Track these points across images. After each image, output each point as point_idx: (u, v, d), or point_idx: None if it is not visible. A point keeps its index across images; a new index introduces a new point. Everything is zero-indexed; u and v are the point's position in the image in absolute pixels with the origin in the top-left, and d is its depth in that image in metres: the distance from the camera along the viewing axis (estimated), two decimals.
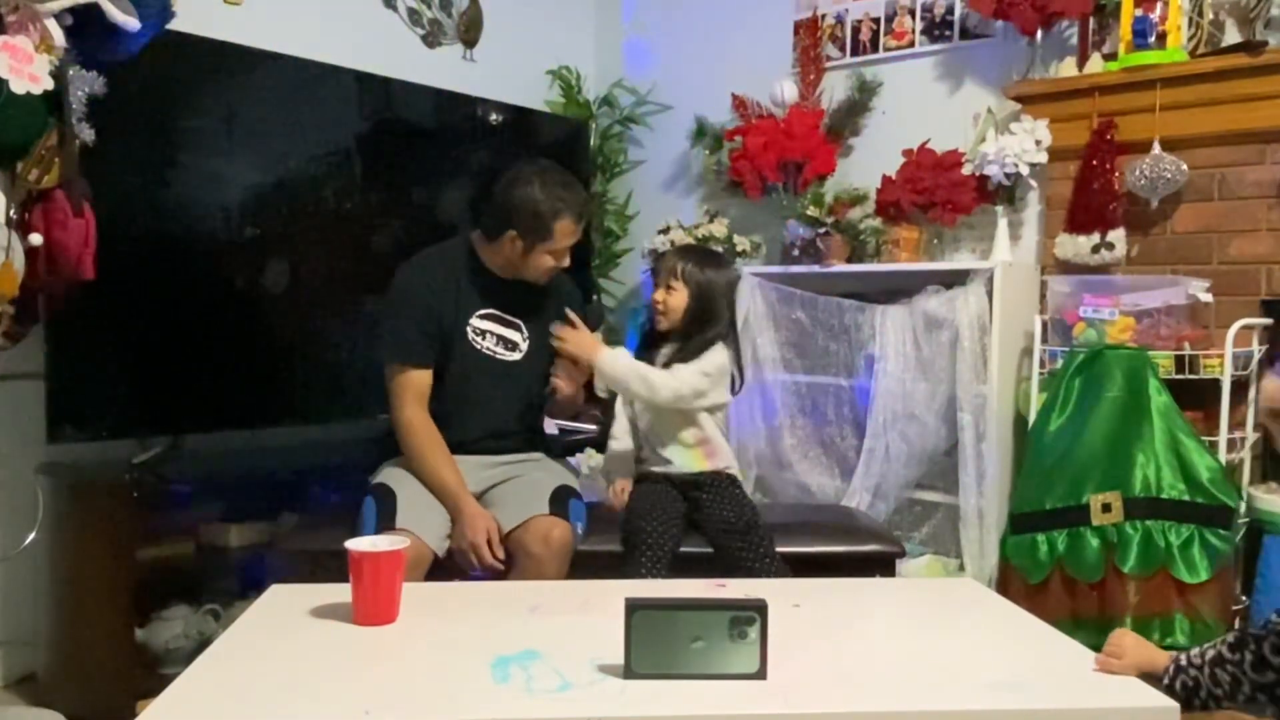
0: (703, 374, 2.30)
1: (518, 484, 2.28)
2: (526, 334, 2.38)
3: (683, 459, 2.37)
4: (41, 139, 2.00)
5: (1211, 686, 1.38)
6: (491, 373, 2.34)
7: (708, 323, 2.34)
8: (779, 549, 2.25)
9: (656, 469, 2.39)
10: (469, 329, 2.32)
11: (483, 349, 2.33)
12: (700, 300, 2.33)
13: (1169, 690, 1.39)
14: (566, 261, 2.33)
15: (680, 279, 2.33)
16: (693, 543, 2.27)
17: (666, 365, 2.33)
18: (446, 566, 2.13)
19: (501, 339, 2.36)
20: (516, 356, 2.36)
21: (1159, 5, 2.84)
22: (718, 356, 2.33)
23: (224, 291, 2.84)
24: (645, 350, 2.41)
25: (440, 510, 2.20)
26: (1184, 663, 1.41)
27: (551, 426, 2.68)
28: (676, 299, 2.33)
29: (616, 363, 2.29)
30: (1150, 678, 1.41)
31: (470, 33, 3.89)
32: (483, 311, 2.34)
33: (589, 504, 2.33)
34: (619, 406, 2.49)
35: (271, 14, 3.15)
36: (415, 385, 2.28)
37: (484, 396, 2.34)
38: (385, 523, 2.10)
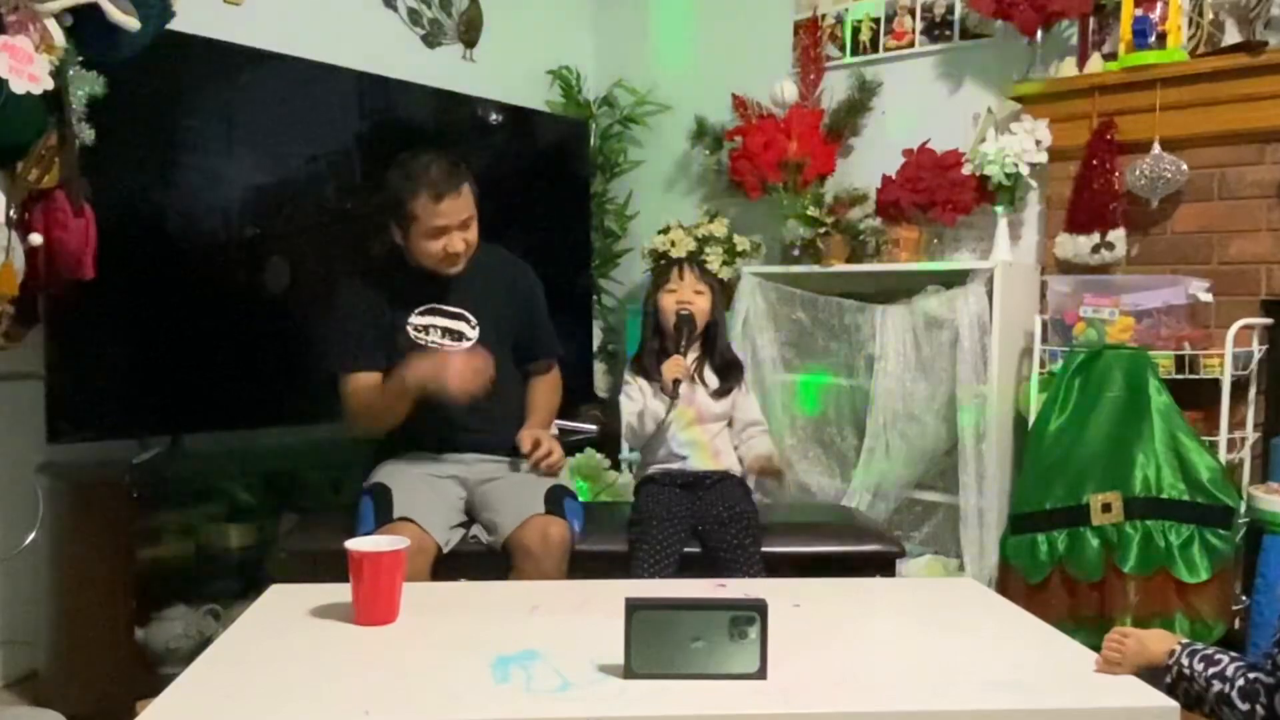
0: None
1: (510, 485, 2.27)
2: (474, 322, 2.34)
3: (697, 456, 2.42)
4: (41, 139, 2.00)
5: (1215, 709, 1.38)
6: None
7: (720, 324, 2.55)
8: (779, 549, 2.25)
9: (669, 466, 2.41)
10: (410, 328, 2.30)
11: (429, 344, 2.30)
12: (718, 304, 2.54)
13: (1169, 692, 1.39)
14: (458, 244, 2.25)
15: (704, 282, 2.52)
16: (694, 543, 2.27)
17: (699, 369, 2.48)
18: (451, 562, 2.12)
19: (447, 331, 2.32)
20: (466, 345, 2.31)
21: (1159, 5, 2.84)
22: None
23: (224, 291, 2.84)
24: (660, 353, 2.48)
25: (441, 501, 2.20)
26: (1188, 672, 1.40)
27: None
28: (704, 301, 2.50)
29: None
30: (1150, 673, 1.41)
31: (470, 33, 3.89)
32: (421, 308, 2.32)
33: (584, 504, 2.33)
34: (631, 399, 2.49)
35: (271, 14, 3.15)
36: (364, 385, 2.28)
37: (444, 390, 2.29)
38: (383, 517, 2.09)
